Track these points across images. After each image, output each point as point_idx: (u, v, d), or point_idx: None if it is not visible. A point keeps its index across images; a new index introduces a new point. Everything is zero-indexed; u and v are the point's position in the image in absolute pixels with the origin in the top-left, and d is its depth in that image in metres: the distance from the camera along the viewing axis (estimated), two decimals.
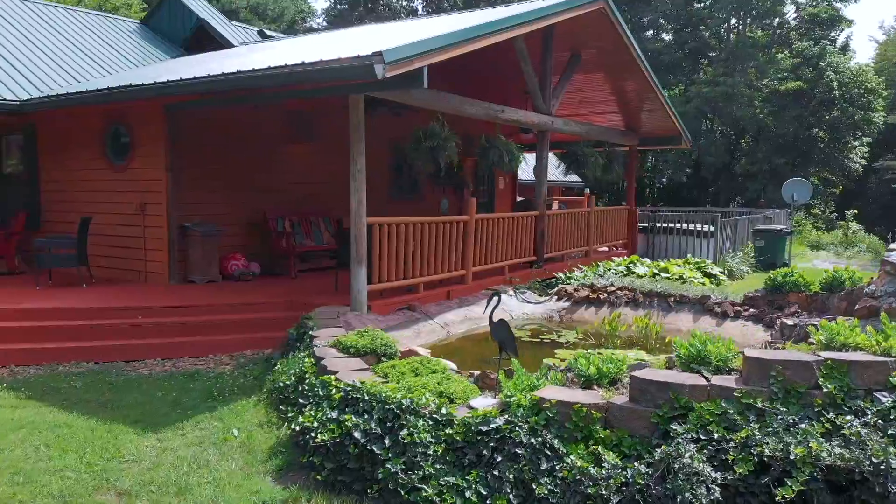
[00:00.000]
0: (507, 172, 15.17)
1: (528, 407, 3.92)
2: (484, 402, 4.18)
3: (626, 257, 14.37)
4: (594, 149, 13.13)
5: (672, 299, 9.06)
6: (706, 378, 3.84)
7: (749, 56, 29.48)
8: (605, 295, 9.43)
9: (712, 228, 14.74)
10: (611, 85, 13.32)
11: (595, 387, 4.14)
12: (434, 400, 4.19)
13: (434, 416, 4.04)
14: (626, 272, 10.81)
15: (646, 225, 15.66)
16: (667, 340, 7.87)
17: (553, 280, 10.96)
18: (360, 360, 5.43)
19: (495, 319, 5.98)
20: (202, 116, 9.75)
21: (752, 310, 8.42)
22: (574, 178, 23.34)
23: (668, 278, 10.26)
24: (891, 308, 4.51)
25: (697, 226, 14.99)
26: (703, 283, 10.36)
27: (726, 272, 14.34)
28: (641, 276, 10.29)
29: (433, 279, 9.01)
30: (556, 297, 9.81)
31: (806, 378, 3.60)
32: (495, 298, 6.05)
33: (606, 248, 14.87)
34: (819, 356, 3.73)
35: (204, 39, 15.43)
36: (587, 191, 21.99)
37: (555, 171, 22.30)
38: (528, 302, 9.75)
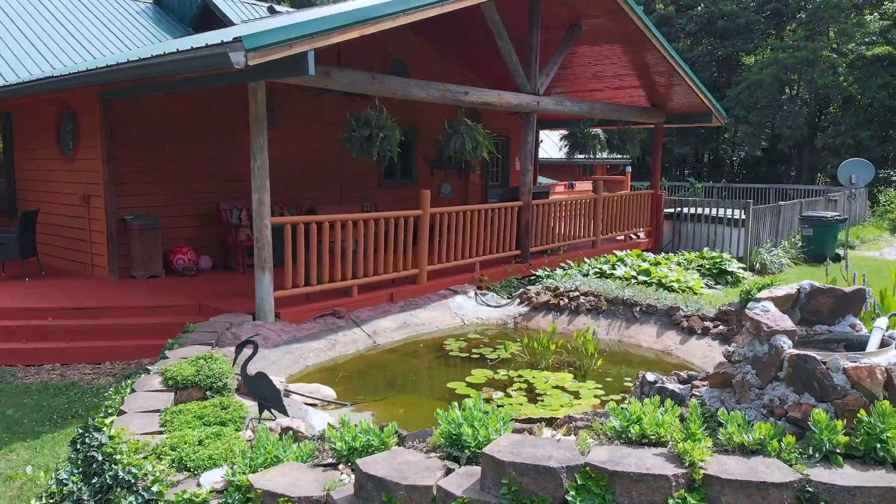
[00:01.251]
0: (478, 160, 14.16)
1: (240, 494, 3.15)
2: (212, 479, 3.43)
3: (643, 249, 13.11)
4: (597, 128, 11.86)
5: (638, 309, 7.92)
6: (445, 472, 2.93)
7: (834, 18, 26.52)
8: (567, 301, 8.38)
9: (744, 216, 13.15)
10: (621, 58, 11.96)
11: (342, 466, 3.31)
12: (159, 470, 3.49)
13: (143, 493, 3.34)
14: (603, 273, 9.65)
15: (671, 211, 14.20)
16: (620, 356, 6.82)
17: (533, 277, 9.97)
18: (173, 395, 4.79)
19: (253, 371, 4.84)
20: (151, 103, 9.31)
21: (721, 326, 7.22)
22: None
23: (645, 283, 9.04)
24: (744, 381, 3.40)
25: (729, 212, 13.41)
26: (689, 290, 9.06)
27: (757, 266, 12.81)
28: (619, 279, 9.13)
29: (372, 281, 8.26)
30: (518, 300, 8.85)
31: (550, 490, 2.64)
32: (247, 349, 4.92)
33: (623, 237, 13.59)
34: (579, 459, 2.74)
35: (210, 18, 15.07)
36: (628, 170, 20.43)
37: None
38: (487, 305, 8.84)
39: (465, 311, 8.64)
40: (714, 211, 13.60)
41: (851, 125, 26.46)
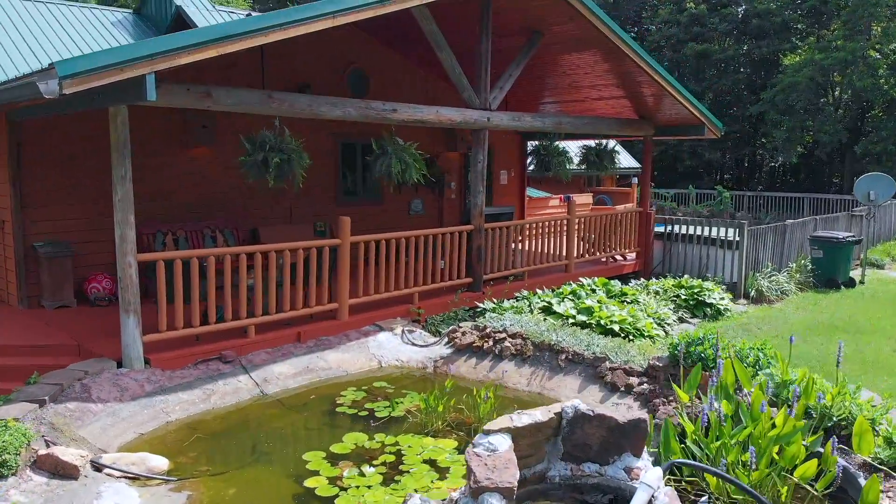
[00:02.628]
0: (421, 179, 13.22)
1: None
2: None
3: (630, 272, 12.06)
4: (556, 143, 10.85)
5: (563, 357, 6.97)
6: None
7: (874, 16, 24.65)
8: (492, 343, 7.48)
9: (738, 237, 11.94)
10: (594, 68, 10.95)
11: None
12: None
13: None
14: (548, 308, 8.67)
15: (662, 231, 13.06)
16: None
17: (480, 310, 9.07)
18: None
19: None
20: (68, 121, 8.77)
21: (646, 384, 6.22)
22: (633, 162, 20.57)
23: (583, 323, 8.02)
24: None
25: (722, 232, 12.21)
26: (637, 333, 7.99)
27: (752, 294, 11.60)
28: (561, 317, 8.14)
29: (275, 319, 7.52)
30: (446, 339, 7.98)
31: None
32: None
33: (605, 259, 12.54)
34: None
35: (182, 27, 14.61)
36: (634, 181, 19.21)
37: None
38: (413, 344, 8.00)
39: (386, 351, 7.82)
40: (706, 230, 12.42)
41: (894, 131, 24.56)
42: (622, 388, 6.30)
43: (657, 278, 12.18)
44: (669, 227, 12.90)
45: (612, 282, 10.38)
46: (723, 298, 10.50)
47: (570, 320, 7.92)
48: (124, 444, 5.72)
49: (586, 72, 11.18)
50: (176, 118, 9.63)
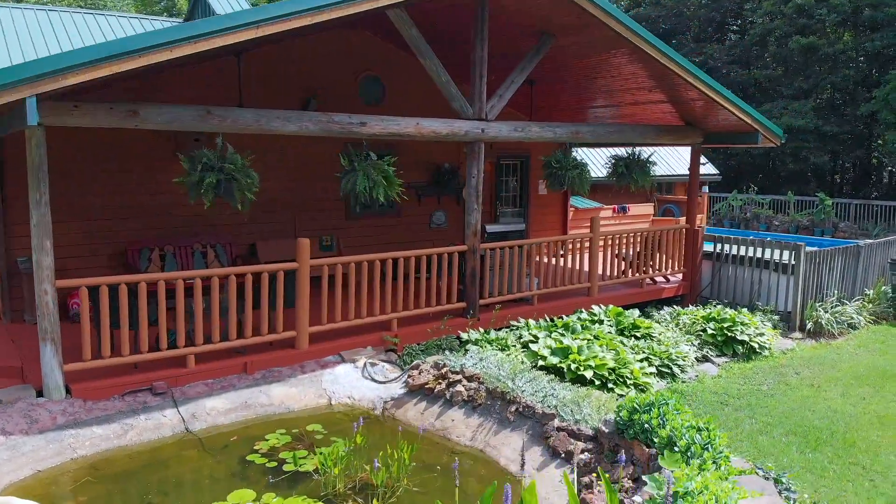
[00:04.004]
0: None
1: None
2: None
3: (674, 296, 10.84)
4: (573, 155, 9.78)
5: (514, 409, 6.08)
6: None
7: None
8: (444, 385, 6.68)
9: (793, 261, 10.40)
10: (620, 70, 9.82)
11: None
12: None
13: None
14: (528, 344, 7.72)
15: (710, 250, 11.63)
16: (453, 482, 5.11)
17: (465, 340, 8.26)
18: None
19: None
20: (54, 134, 8.74)
21: (586, 452, 5.25)
22: (710, 168, 18.84)
23: (555, 367, 6.99)
24: None
25: (776, 254, 10.68)
26: (620, 383, 6.88)
27: (810, 327, 10.09)
28: (541, 358, 7.17)
29: (220, 348, 7.06)
30: (406, 375, 7.26)
31: None
32: None
33: (648, 280, 11.32)
34: None
35: None
36: (705, 190, 17.51)
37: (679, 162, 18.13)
38: (373, 379, 7.34)
39: (340, 387, 7.20)
40: (759, 252, 10.93)
41: None
42: (562, 454, 5.37)
43: (703, 305, 10.88)
44: (719, 247, 11.47)
45: (629, 311, 9.26)
46: (761, 334, 9.10)
47: (541, 361, 6.96)
48: (15, 483, 5.43)
49: (613, 75, 10.06)
50: (168, 132, 9.43)
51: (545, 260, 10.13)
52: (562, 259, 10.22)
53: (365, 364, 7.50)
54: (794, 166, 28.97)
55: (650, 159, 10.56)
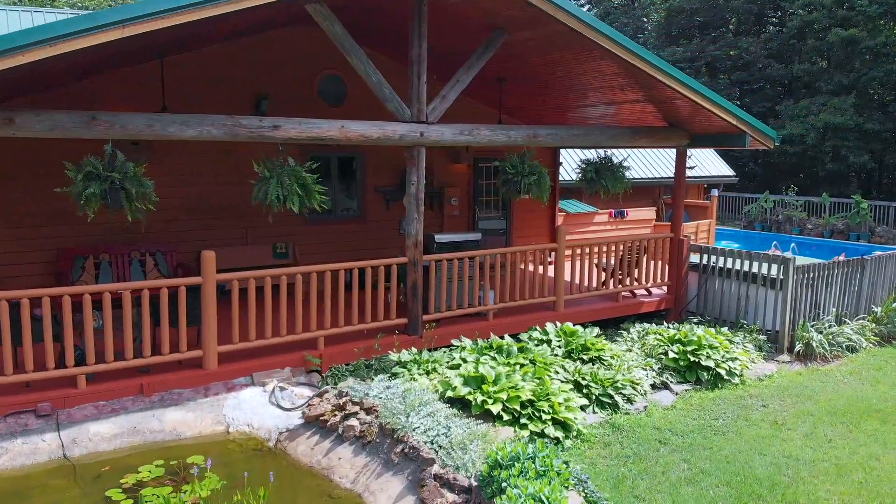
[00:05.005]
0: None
1: None
2: None
3: (657, 310, 10.02)
4: (525, 160, 9.02)
5: (400, 449, 5.45)
6: None
7: None
8: (339, 418, 6.09)
9: (781, 276, 9.43)
10: (581, 68, 9.04)
11: None
12: None
13: None
14: (454, 366, 7.04)
15: (696, 261, 10.71)
16: None
17: (395, 359, 7.65)
18: None
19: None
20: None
21: None
22: (724, 169, 17.71)
23: (462, 400, 6.28)
24: None
25: (764, 268, 9.72)
26: (535, 418, 6.14)
27: (799, 349, 9.17)
28: (450, 388, 6.48)
29: (117, 367, 6.62)
30: (306, 404, 6.69)
31: None
32: None
33: (625, 293, 10.50)
34: None
35: None
36: (714, 193, 16.39)
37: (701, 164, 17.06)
38: (279, 406, 6.80)
39: (241, 413, 6.68)
40: (747, 264, 9.98)
41: None
42: None
43: (686, 321, 10.03)
44: (705, 258, 10.54)
45: (588, 329, 8.50)
46: (732, 359, 8.22)
47: (450, 392, 6.28)
48: None
49: (578, 73, 9.28)
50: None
51: (530, 269, 9.45)
52: (546, 268, 9.51)
53: (274, 388, 6.97)
54: (833, 166, 27.33)
55: (623, 164, 9.74)
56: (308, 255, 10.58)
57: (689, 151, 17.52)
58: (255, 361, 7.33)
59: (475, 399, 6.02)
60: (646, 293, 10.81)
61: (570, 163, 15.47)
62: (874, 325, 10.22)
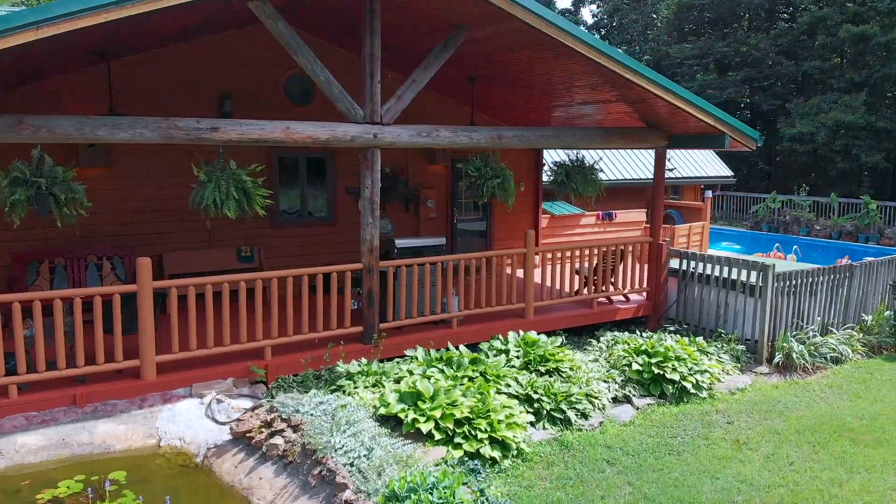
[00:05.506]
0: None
1: None
2: None
3: (636, 317, 9.67)
4: (489, 162, 8.68)
5: (318, 471, 5.17)
6: None
7: None
8: (265, 435, 5.83)
9: (761, 283, 9.02)
10: (547, 65, 8.69)
11: None
12: None
13: None
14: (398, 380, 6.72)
15: (676, 267, 10.30)
16: None
17: (343, 371, 7.36)
18: None
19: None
20: None
21: None
22: (719, 169, 17.21)
23: (392, 417, 5.97)
24: None
25: (743, 275, 9.31)
26: (473, 439, 5.82)
27: (779, 360, 8.78)
28: (384, 405, 6.17)
29: (50, 377, 6.41)
30: (236, 419, 6.44)
31: None
32: None
33: (602, 300, 10.16)
34: None
35: None
36: (708, 195, 15.91)
37: (702, 162, 16.56)
38: (214, 419, 6.56)
39: (175, 426, 6.44)
40: (726, 271, 9.58)
41: None
42: None
43: (663, 329, 9.68)
44: (685, 263, 10.14)
45: (551, 338, 8.16)
46: (701, 371, 7.85)
47: (383, 409, 5.98)
48: None
49: (546, 72, 8.94)
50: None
51: (508, 272, 9.15)
52: (528, 273, 9.20)
53: (211, 401, 6.72)
54: (845, 165, 26.63)
55: (595, 166, 9.38)
56: (275, 258, 10.34)
57: (687, 152, 17.06)
58: (197, 371, 7.09)
59: (406, 417, 5.71)
60: (624, 299, 10.45)
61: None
62: (862, 335, 9.78)
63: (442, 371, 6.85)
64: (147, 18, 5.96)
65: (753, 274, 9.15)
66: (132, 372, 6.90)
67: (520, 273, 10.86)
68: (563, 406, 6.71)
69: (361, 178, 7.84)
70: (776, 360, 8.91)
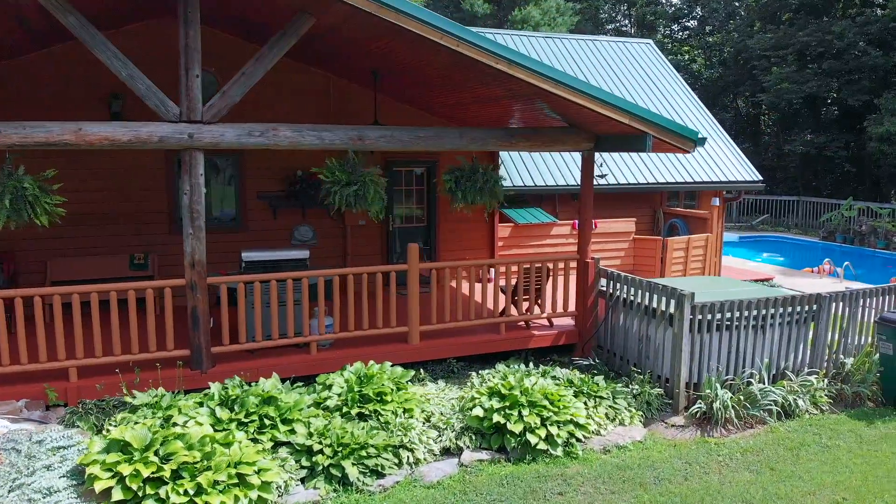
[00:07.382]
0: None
1: None
2: None
3: (559, 345, 8.43)
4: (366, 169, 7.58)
5: None
6: None
7: None
8: None
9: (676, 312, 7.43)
10: (407, 57, 7.54)
11: None
12: None
13: None
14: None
15: (604, 288, 8.78)
16: None
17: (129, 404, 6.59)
18: None
19: None
20: None
21: None
22: (743, 173, 15.07)
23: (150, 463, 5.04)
24: None
25: (663, 302, 7.73)
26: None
27: (700, 410, 7.29)
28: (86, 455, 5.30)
29: None
30: None
31: None
32: None
33: (525, 325, 8.90)
34: None
35: None
36: (715, 202, 13.84)
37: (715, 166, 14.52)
38: None
39: None
40: (647, 297, 8.02)
41: None
42: None
43: (590, 359, 8.34)
44: (611, 286, 8.63)
45: (402, 371, 7.02)
46: (565, 422, 6.45)
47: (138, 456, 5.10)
48: None
49: (416, 65, 7.79)
50: None
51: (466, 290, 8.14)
52: (486, 287, 8.15)
53: None
54: None
55: (492, 170, 8.11)
56: (174, 266, 9.75)
57: (707, 152, 15.04)
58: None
59: (93, 471, 4.84)
60: (547, 324, 9.08)
61: (543, 165, 13.60)
62: (830, 382, 7.93)
63: (212, 412, 5.91)
64: None
65: (672, 303, 7.58)
66: None
67: (476, 286, 9.73)
68: (345, 462, 5.60)
69: (181, 183, 7.03)
70: (694, 410, 7.31)
